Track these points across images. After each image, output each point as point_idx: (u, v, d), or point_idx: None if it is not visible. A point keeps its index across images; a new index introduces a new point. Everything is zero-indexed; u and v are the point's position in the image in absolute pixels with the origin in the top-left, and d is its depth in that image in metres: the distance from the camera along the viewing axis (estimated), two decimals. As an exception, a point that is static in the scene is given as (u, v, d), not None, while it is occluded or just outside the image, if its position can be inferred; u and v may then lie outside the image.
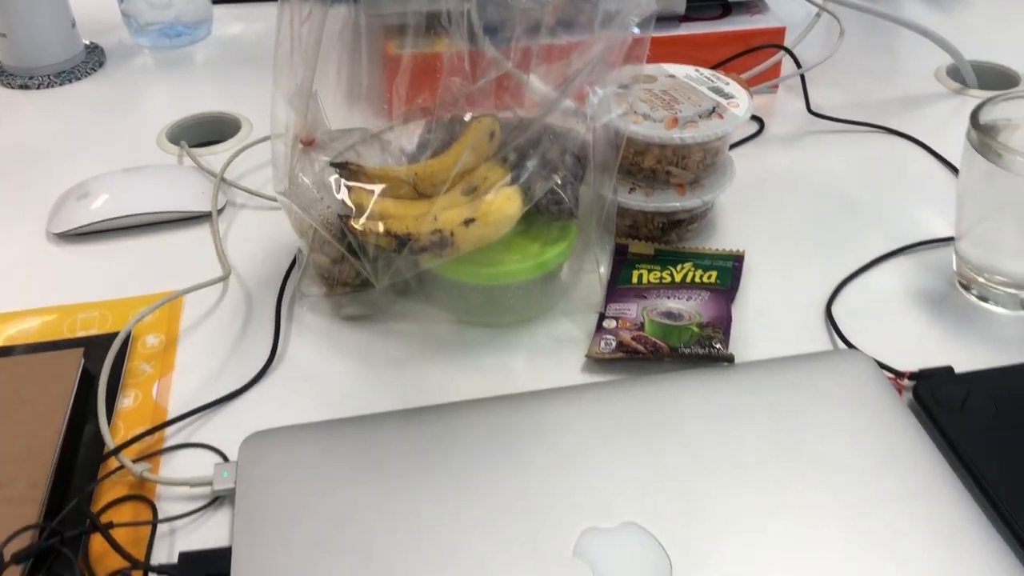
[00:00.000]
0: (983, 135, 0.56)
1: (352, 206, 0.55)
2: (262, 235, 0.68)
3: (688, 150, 0.62)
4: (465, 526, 0.44)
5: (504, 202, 0.54)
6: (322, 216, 0.57)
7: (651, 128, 0.60)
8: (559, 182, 0.56)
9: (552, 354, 0.57)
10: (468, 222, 0.53)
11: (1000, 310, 0.59)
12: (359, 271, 0.56)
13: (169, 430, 0.53)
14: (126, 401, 0.54)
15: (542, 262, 0.56)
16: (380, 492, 0.46)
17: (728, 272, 0.62)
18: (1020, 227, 0.56)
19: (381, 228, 0.53)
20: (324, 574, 0.42)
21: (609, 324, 0.58)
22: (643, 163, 0.62)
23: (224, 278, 0.62)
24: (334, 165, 0.57)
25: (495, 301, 0.58)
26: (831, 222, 0.68)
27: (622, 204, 0.63)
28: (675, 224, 0.64)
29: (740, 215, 0.68)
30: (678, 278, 0.61)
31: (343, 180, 0.56)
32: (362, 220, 0.54)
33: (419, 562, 0.42)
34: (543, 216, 0.57)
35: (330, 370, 0.56)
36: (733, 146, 0.77)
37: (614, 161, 0.58)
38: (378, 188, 0.56)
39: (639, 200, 0.62)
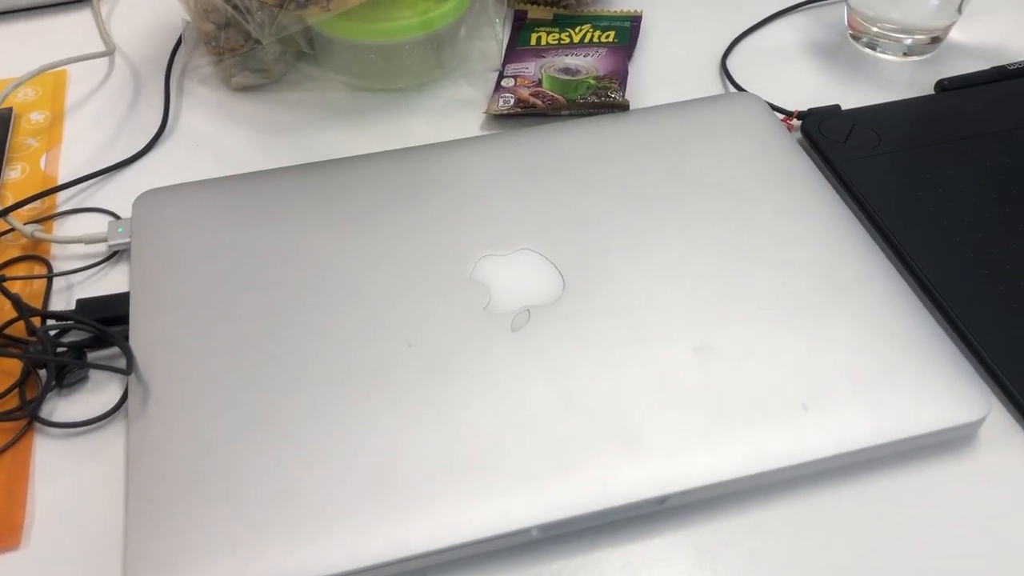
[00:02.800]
0: None
1: (233, -39, 0.53)
2: (146, 11, 0.65)
3: (583, -94, 0.60)
4: (366, 262, 0.45)
5: (391, -50, 0.52)
6: (203, -24, 0.54)
7: None
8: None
9: (451, 115, 0.57)
10: (354, -30, 0.51)
11: (887, 56, 0.61)
12: (247, 35, 0.55)
13: (61, 197, 0.51)
14: (12, 174, 0.53)
15: (430, 19, 0.55)
16: (278, 235, 0.46)
17: (626, 31, 0.61)
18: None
19: (264, -19, 0.52)
20: (225, 309, 0.42)
21: (508, 83, 0.58)
22: (537, -79, 0.61)
23: (108, 53, 0.60)
24: (211, -79, 0.54)
25: (389, 61, 0.57)
26: (729, -16, 0.68)
27: (517, -36, 0.61)
28: (573, -13, 0.64)
29: (639, -20, 0.68)
30: (576, 39, 0.61)
31: (222, -65, 0.54)
32: (243, -28, 0.52)
33: (321, 294, 0.43)
34: (435, -29, 0.56)
35: (223, 138, 0.55)
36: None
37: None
38: (259, -59, 0.53)
39: (534, -40, 0.61)
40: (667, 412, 0.39)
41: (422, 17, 0.55)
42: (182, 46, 0.61)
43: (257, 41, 0.55)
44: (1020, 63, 0.57)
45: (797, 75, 0.60)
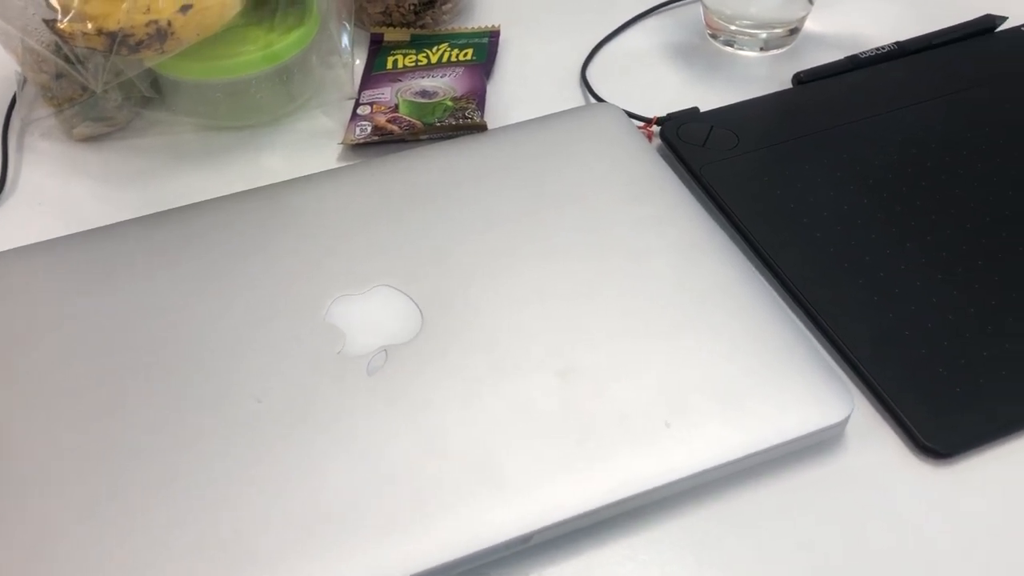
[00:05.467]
0: None
1: (57, 7, 0.50)
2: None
3: (428, -77, 0.59)
4: (215, 315, 0.42)
5: (223, -15, 0.50)
6: (29, 26, 0.52)
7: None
8: (285, -40, 0.52)
9: (308, 148, 0.55)
10: (185, 8, 0.49)
11: (745, 53, 0.61)
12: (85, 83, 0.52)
13: None
14: None
15: (276, 51, 0.53)
16: (122, 295, 0.43)
17: (483, 48, 0.60)
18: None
19: (90, 27, 0.49)
20: (66, 382, 0.40)
21: (363, 110, 0.56)
22: (383, -58, 0.59)
23: (-63, 114, 0.57)
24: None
25: (238, 99, 0.55)
26: (588, -9, 0.67)
27: (366, -12, 0.60)
28: (427, 6, 0.62)
29: (496, -7, 0.67)
30: (434, 59, 0.60)
31: (42, -19, 0.51)
32: (66, 21, 0.49)
33: (168, 356, 0.41)
34: (277, 3, 0.54)
35: (68, 193, 0.53)
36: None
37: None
38: (82, -16, 0.51)
39: (384, -18, 0.60)
40: (531, 444, 0.38)
41: (266, 50, 0.53)
42: (19, 99, 0.58)
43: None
44: (872, 51, 0.58)
45: (658, 79, 0.59)
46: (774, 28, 0.60)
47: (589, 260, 0.45)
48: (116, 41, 0.49)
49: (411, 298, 0.43)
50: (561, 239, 0.46)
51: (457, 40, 0.61)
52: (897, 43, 0.59)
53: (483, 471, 0.37)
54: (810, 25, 0.62)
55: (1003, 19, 0.60)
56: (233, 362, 0.41)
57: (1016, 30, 0.60)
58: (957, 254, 0.46)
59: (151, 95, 0.55)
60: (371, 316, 0.42)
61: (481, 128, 0.53)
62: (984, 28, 0.60)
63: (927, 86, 0.55)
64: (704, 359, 0.40)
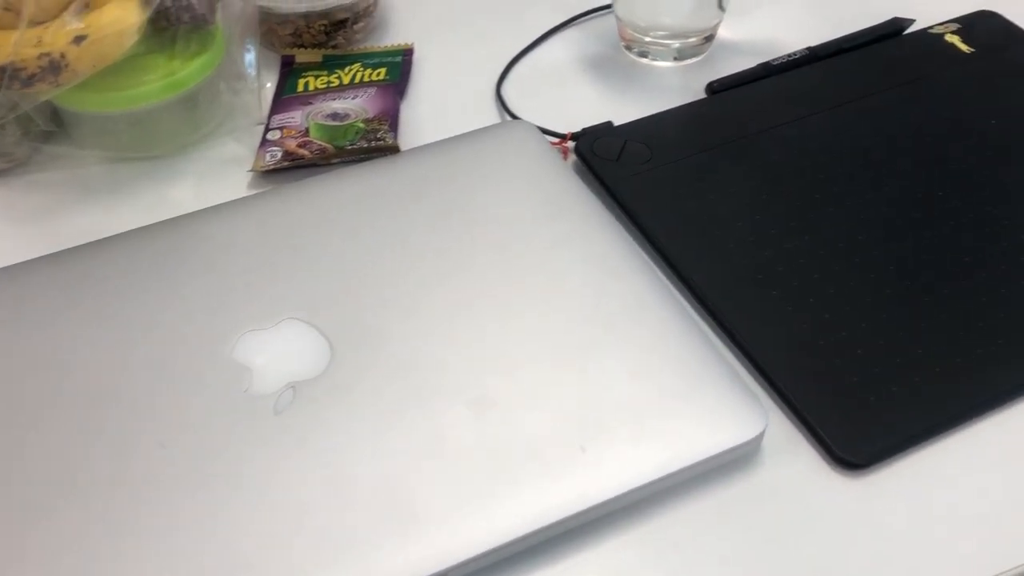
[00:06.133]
0: None
1: (-57, 43, 0.48)
2: None
3: (334, -58, 0.58)
4: (118, 358, 0.41)
5: (119, 12, 0.49)
6: (-84, 62, 0.50)
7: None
8: (184, -15, 0.51)
9: (218, 177, 0.54)
10: (79, 39, 0.48)
11: (660, 63, 0.61)
12: (-23, 120, 0.50)
13: None
14: None
15: (179, 79, 0.52)
16: (19, 342, 0.42)
17: (397, 67, 0.60)
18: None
19: (-22, 62, 0.47)
20: (-42, 434, 0.39)
21: (274, 136, 0.55)
22: (287, -37, 0.58)
23: None
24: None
25: (143, 129, 0.53)
26: (501, 3, 0.66)
27: (272, 9, 0.59)
28: (339, 26, 0.61)
29: (410, 8, 0.66)
30: (346, 80, 0.59)
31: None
32: (-47, 55, 0.47)
33: (67, 404, 0.39)
34: (177, 28, 0.52)
35: (-34, 233, 0.51)
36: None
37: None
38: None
39: (291, 3, 0.59)
40: (444, 479, 0.37)
41: (169, 78, 0.52)
42: (-88, 137, 0.55)
43: (-12, 126, 0.50)
44: (784, 57, 0.58)
45: (574, 93, 0.59)
46: (687, 37, 0.60)
47: (503, 283, 0.44)
48: (6, 75, 0.47)
49: (320, 331, 0.42)
50: (475, 262, 0.45)
51: (370, 60, 0.60)
52: (809, 48, 0.59)
53: (395, 509, 0.36)
54: (724, 33, 0.62)
55: (910, 22, 0.61)
56: (136, 406, 0.39)
57: (923, 32, 0.61)
58: (870, 260, 0.46)
59: (51, 128, 0.54)
60: (279, 351, 0.41)
61: (394, 150, 0.53)
62: (893, 31, 0.61)
63: (838, 91, 0.56)
64: (619, 380, 0.40)
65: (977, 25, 0.61)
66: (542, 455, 0.37)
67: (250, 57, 0.56)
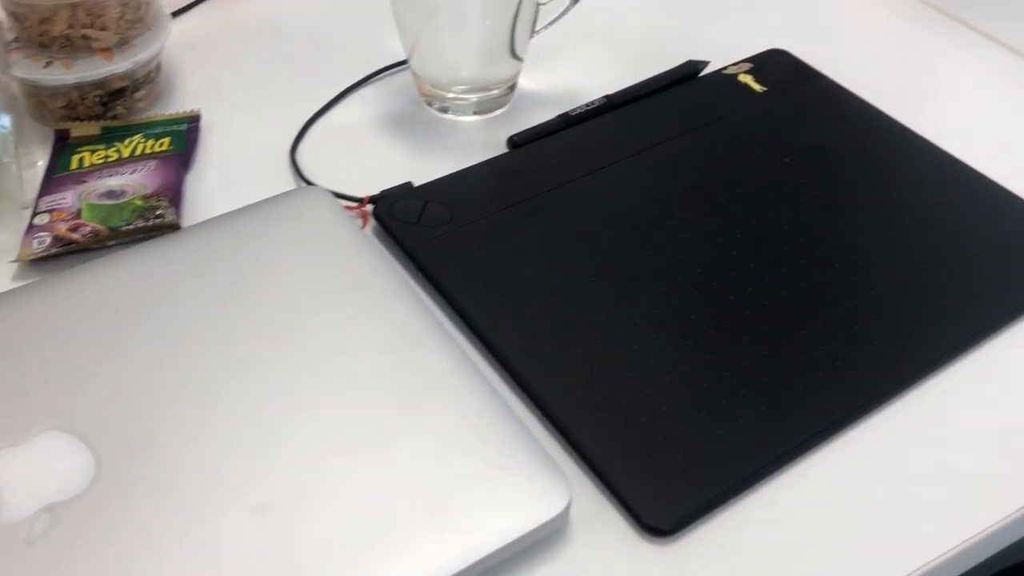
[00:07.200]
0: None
1: None
2: None
3: (102, 7, 0.54)
4: None
5: None
6: None
7: (41, -14, 0.52)
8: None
9: (-20, 269, 0.49)
10: None
11: (461, 118, 0.59)
12: None
13: None
14: None
15: (-78, 164, 0.47)
16: None
17: (182, 135, 0.56)
18: (456, 29, 0.55)
19: None
20: None
21: (42, 220, 0.50)
22: (53, 30, 0.54)
23: None
24: None
25: None
26: (296, 63, 0.63)
27: (38, 82, 0.54)
28: (117, 95, 0.57)
29: (197, 74, 0.62)
30: (125, 153, 0.54)
31: None
32: None
33: None
34: (-81, 110, 0.47)
35: None
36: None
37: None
38: None
39: (58, 74, 0.54)
40: (223, 597, 0.33)
41: (-90, 166, 0.47)
42: None
43: None
44: (583, 107, 0.58)
45: (374, 154, 0.57)
46: (487, 90, 0.59)
47: (291, 369, 0.41)
48: None
49: (84, 440, 0.38)
50: (262, 348, 0.42)
51: (152, 129, 0.56)
52: (607, 96, 0.59)
53: (166, 640, 0.32)
54: (525, 83, 0.62)
55: (705, 64, 0.62)
56: None
57: (718, 73, 0.62)
58: (671, 312, 0.46)
59: None
60: (34, 469, 0.37)
61: (174, 227, 0.49)
62: (688, 74, 0.61)
63: (636, 139, 0.56)
64: (414, 467, 0.37)
65: (768, 64, 0.63)
66: (332, 559, 0.34)
67: (6, 134, 0.51)
